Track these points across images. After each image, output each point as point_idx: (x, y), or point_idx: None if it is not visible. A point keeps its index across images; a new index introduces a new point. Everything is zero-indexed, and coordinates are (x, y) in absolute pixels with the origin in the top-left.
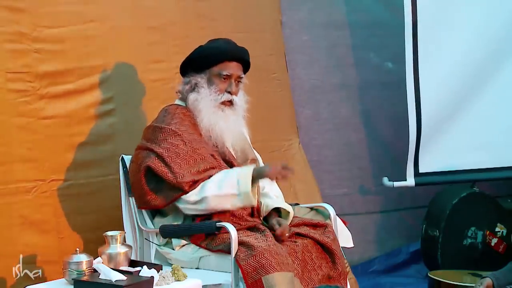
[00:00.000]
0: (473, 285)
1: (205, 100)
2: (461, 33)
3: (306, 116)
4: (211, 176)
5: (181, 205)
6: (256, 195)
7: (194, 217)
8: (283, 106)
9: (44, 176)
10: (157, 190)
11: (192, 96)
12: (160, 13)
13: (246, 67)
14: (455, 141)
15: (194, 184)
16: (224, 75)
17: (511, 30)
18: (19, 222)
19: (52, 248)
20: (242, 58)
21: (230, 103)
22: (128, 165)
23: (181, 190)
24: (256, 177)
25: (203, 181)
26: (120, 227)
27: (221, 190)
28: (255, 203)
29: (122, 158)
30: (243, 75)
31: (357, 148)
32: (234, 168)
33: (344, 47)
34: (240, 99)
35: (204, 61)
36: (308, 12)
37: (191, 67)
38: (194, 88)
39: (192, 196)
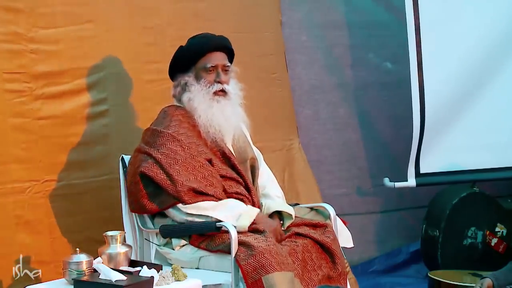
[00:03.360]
0: (473, 285)
1: (197, 96)
2: (463, 34)
3: (305, 116)
4: (213, 194)
5: (173, 211)
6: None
7: None
8: (283, 106)
9: (38, 177)
10: (154, 195)
11: (185, 96)
12: (156, 13)
13: (230, 55)
14: (456, 141)
15: (192, 192)
16: (210, 67)
17: None
18: (14, 222)
19: (45, 248)
20: (224, 47)
21: (222, 92)
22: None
23: (178, 199)
24: (256, 221)
25: (203, 188)
26: (113, 227)
27: (221, 217)
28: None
29: (122, 158)
30: (229, 64)
31: (356, 148)
32: (242, 205)
33: (343, 47)
34: (232, 87)
35: (187, 59)
36: (307, 12)
37: (177, 69)
38: (185, 88)
39: (190, 209)
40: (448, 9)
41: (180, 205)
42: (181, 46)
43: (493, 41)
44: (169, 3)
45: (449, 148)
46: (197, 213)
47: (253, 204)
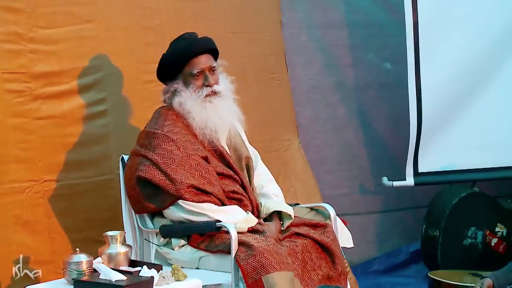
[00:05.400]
0: (473, 285)
1: (189, 100)
2: (462, 33)
3: (305, 116)
4: (212, 192)
5: (173, 208)
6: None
7: None
8: (283, 106)
9: (37, 177)
10: (154, 195)
11: (176, 101)
12: (156, 13)
13: (215, 54)
14: (455, 140)
15: (192, 188)
16: (196, 73)
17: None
18: (13, 222)
19: (44, 248)
20: (207, 49)
21: (214, 93)
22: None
23: (179, 196)
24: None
25: (202, 185)
26: (113, 227)
27: (222, 218)
28: None
29: (122, 158)
30: (215, 64)
31: (356, 148)
32: (243, 212)
33: (342, 47)
34: (222, 85)
35: (170, 69)
36: (307, 12)
37: (163, 77)
38: (175, 94)
39: (190, 206)
40: (447, 9)
41: (180, 201)
42: (164, 54)
43: (491, 41)
44: (169, 3)
45: (448, 147)
46: (197, 211)
47: (251, 202)
